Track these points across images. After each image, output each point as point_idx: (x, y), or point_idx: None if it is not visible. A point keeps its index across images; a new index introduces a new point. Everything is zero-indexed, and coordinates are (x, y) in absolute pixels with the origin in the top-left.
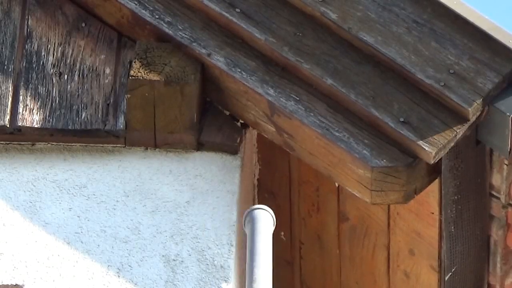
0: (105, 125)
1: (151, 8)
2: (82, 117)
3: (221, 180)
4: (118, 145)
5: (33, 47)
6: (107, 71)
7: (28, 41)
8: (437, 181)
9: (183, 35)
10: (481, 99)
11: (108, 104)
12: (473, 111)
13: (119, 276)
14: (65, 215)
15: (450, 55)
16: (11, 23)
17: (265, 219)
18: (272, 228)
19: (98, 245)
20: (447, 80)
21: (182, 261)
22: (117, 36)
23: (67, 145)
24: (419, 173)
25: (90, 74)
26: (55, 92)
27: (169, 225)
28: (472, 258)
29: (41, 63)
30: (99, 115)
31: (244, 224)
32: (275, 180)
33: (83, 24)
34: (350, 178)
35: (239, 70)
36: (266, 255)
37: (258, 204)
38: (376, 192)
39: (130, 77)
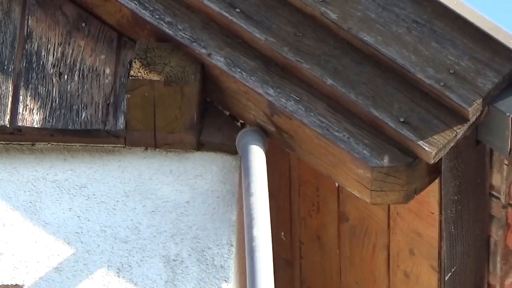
0: (105, 125)
1: (151, 8)
2: (82, 117)
3: (221, 180)
4: (118, 145)
5: (33, 47)
6: (107, 71)
7: (28, 41)
8: (437, 181)
9: (183, 35)
10: (481, 99)
11: (108, 104)
12: (473, 111)
13: (119, 276)
14: (65, 215)
15: (450, 55)
16: (11, 23)
17: (257, 138)
18: (264, 146)
19: (98, 245)
20: (447, 80)
21: (182, 261)
22: (117, 36)
23: (67, 145)
24: (419, 173)
25: (90, 74)
26: (55, 92)
27: (169, 225)
28: (472, 258)
29: (41, 63)
30: (99, 115)
31: (237, 145)
32: (275, 180)
33: (83, 24)
34: (350, 178)
35: (239, 70)
36: (260, 171)
37: None
38: (376, 192)
39: (130, 77)
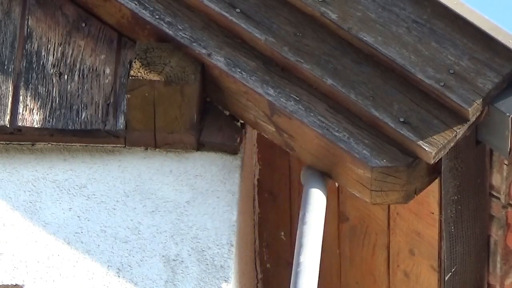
0: (105, 125)
1: (151, 8)
2: (82, 117)
3: (221, 180)
4: (118, 145)
5: (33, 47)
6: (107, 71)
7: (28, 41)
8: (437, 181)
9: (183, 35)
10: (481, 99)
11: (108, 104)
12: (473, 111)
13: (119, 276)
14: (65, 215)
15: (450, 55)
16: (11, 23)
17: (321, 178)
18: (325, 192)
19: (98, 245)
20: (447, 80)
21: (182, 261)
22: (117, 36)
23: (67, 145)
24: (419, 173)
25: (90, 74)
26: (55, 92)
27: (169, 225)
28: (472, 258)
29: (41, 63)
30: (99, 115)
31: (302, 177)
32: (275, 180)
33: (83, 24)
34: (350, 178)
35: (239, 70)
36: (319, 206)
37: (258, 204)
38: (376, 192)
39: (130, 77)
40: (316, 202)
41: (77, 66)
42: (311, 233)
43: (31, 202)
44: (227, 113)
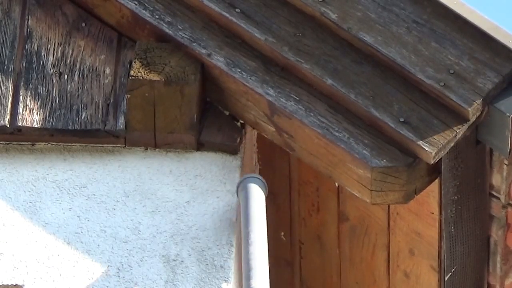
0: (105, 125)
1: (151, 8)
2: (82, 117)
3: (221, 180)
4: (118, 145)
5: (33, 47)
6: (107, 71)
7: (28, 41)
8: (437, 181)
9: (183, 35)
10: (481, 99)
11: (108, 104)
12: (473, 111)
13: (119, 276)
14: (65, 215)
15: (450, 55)
16: (11, 23)
17: (257, 186)
18: (264, 194)
19: (98, 245)
20: (447, 80)
21: (182, 261)
22: (117, 36)
23: (67, 145)
24: (419, 173)
25: (90, 74)
26: (55, 92)
27: (169, 225)
28: (472, 258)
29: (41, 63)
30: (99, 115)
31: (237, 192)
32: (275, 180)
33: (83, 24)
34: (350, 178)
35: (239, 70)
36: (260, 219)
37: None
38: (376, 192)
39: (130, 77)
40: (258, 218)
41: (77, 66)
42: (258, 255)
43: (31, 202)
44: (227, 113)
